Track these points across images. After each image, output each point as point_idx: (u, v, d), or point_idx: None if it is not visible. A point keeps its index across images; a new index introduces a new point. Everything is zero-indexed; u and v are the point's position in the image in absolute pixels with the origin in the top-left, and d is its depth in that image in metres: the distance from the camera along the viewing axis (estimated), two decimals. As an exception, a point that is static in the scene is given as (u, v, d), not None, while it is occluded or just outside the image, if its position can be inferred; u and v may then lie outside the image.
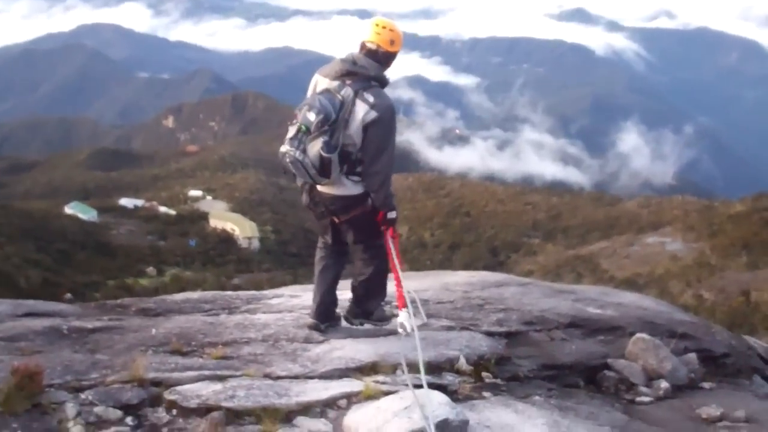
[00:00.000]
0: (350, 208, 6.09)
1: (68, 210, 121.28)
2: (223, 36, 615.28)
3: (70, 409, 4.26)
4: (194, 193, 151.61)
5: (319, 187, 6.04)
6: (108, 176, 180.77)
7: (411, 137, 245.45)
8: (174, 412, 4.49)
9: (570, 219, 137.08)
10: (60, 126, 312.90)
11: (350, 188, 5.98)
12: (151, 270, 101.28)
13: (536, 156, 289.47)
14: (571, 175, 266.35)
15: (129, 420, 4.34)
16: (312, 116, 5.64)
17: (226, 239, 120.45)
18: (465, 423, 4.48)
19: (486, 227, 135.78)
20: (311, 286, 8.48)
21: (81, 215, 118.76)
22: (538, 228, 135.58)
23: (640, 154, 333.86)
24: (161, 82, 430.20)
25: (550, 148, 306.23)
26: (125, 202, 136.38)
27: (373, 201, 6.04)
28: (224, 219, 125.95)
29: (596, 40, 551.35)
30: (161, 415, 4.45)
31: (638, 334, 7.43)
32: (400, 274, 6.15)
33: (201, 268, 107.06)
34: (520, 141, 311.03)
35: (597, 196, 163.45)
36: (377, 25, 6.02)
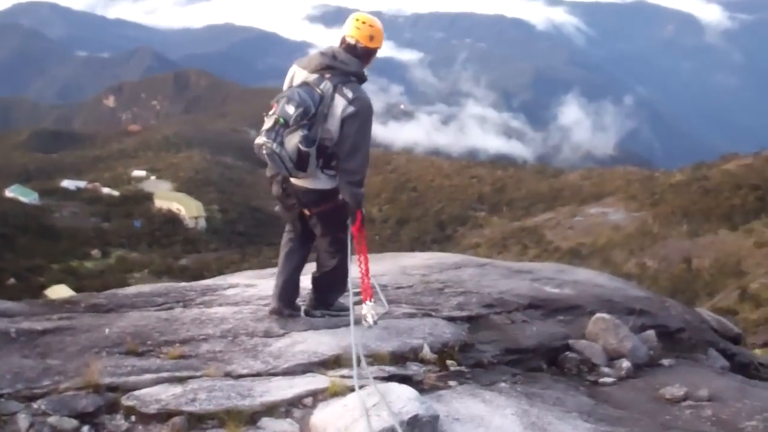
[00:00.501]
0: (321, 202, 6.07)
1: (9, 193, 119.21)
2: (163, 13, 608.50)
3: (23, 420, 4.05)
4: (138, 173, 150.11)
5: (293, 180, 5.98)
6: (49, 158, 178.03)
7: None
8: (133, 418, 4.27)
9: (514, 192, 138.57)
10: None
11: (324, 182, 5.95)
12: (96, 252, 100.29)
13: (480, 130, 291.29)
14: (515, 149, 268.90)
15: (85, 429, 4.12)
16: (291, 109, 5.58)
17: (172, 219, 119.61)
18: (435, 418, 4.36)
19: (433, 201, 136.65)
20: (266, 272, 8.36)
21: (22, 198, 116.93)
22: (483, 201, 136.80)
23: (581, 126, 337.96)
24: (101, 61, 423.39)
25: (493, 122, 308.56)
26: (67, 183, 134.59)
27: (344, 198, 5.97)
28: (169, 199, 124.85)
29: (537, 14, 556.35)
30: (119, 422, 4.23)
31: (598, 314, 7.45)
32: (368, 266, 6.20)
33: (147, 249, 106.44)
34: (464, 115, 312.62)
35: (540, 169, 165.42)
36: (357, 20, 5.99)
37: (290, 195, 6.15)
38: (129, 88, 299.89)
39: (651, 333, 7.77)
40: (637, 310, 8.31)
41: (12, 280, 79.29)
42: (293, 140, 5.54)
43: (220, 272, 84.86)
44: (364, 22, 5.96)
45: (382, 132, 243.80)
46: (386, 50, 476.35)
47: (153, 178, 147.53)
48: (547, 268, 10.43)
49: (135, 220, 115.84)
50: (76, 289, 73.86)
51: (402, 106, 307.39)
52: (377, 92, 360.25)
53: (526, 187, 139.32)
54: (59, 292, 72.37)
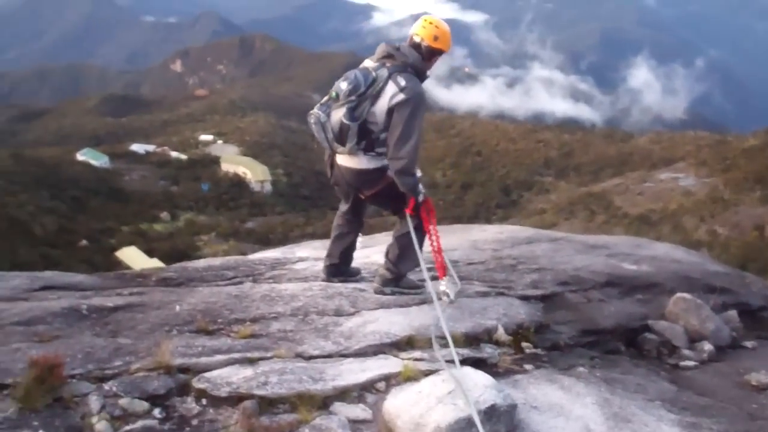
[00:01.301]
0: (371, 183, 6.32)
1: (80, 157, 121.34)
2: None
3: (94, 402, 3.99)
4: (205, 137, 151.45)
5: (339, 161, 6.30)
6: (118, 122, 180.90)
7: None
8: (204, 401, 4.20)
9: (582, 156, 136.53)
10: (67, 73, 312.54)
11: (366, 163, 6.19)
12: (165, 215, 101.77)
13: (546, 93, 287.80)
14: (582, 112, 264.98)
15: (156, 412, 4.06)
16: (344, 85, 5.91)
17: (238, 183, 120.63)
18: (513, 407, 4.21)
19: (497, 166, 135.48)
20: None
21: (93, 162, 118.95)
22: (550, 166, 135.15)
23: (650, 89, 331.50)
24: (167, 26, 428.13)
25: (560, 84, 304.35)
26: (136, 147, 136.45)
27: (399, 186, 6.13)
28: (236, 163, 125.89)
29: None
30: (190, 405, 4.16)
31: (678, 294, 7.23)
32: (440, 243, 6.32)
33: (214, 212, 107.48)
34: (530, 78, 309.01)
35: (608, 133, 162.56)
36: (425, 20, 6.25)
37: (339, 178, 6.41)
38: (195, 53, 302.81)
39: (733, 313, 7.54)
40: (718, 288, 8.07)
41: (84, 242, 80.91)
42: (339, 113, 5.91)
43: (285, 235, 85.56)
44: (430, 23, 6.20)
45: (446, 95, 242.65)
46: (450, 12, 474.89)
47: (220, 142, 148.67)
48: (623, 242, 10.19)
49: (203, 184, 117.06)
50: (146, 251, 75.53)
51: (466, 69, 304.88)
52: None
53: (594, 152, 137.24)
54: (130, 253, 73.94)
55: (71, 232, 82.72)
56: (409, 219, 6.25)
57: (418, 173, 6.21)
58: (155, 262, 68.51)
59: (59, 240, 77.76)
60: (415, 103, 5.94)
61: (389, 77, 5.95)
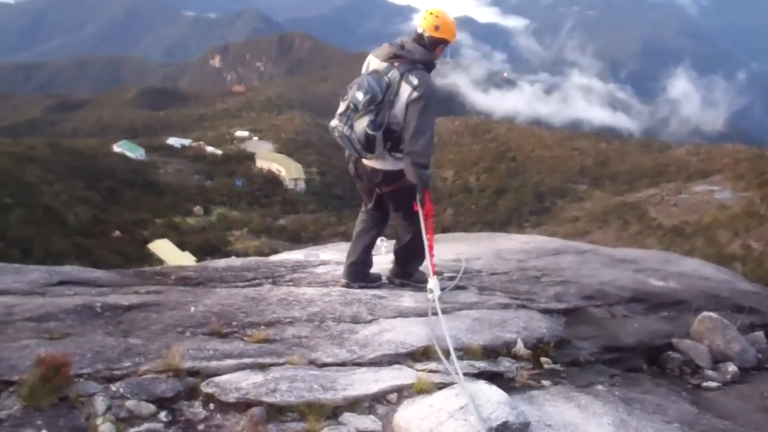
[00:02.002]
0: (391, 182, 6.56)
1: (117, 148, 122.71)
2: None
3: (100, 403, 3.93)
4: (241, 133, 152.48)
5: (363, 160, 6.54)
6: (155, 115, 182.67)
7: (457, 80, 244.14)
8: (211, 406, 4.13)
9: (618, 165, 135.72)
10: (108, 64, 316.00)
11: (392, 164, 6.43)
12: (198, 209, 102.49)
13: (584, 101, 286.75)
14: (620, 121, 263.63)
15: (163, 415, 3.99)
16: (360, 96, 6.08)
17: (272, 180, 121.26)
18: (526, 425, 4.12)
19: (532, 172, 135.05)
20: None
21: (129, 153, 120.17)
22: (585, 174, 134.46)
23: (690, 100, 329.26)
24: (207, 21, 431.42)
25: (598, 92, 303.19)
26: (173, 141, 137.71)
27: (410, 179, 6.32)
28: (270, 160, 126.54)
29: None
30: (197, 410, 4.09)
31: (705, 313, 7.06)
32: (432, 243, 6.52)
33: (247, 208, 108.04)
34: (568, 85, 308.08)
35: (646, 143, 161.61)
36: (426, 11, 6.44)
37: (362, 175, 6.70)
38: (234, 49, 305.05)
39: (760, 334, 7.37)
40: (747, 307, 7.91)
41: (117, 233, 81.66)
42: (362, 124, 6.07)
43: (317, 234, 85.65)
44: (431, 13, 6.38)
45: (483, 100, 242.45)
46: (490, 16, 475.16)
47: (255, 138, 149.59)
48: (651, 257, 10.04)
49: (237, 179, 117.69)
50: (178, 244, 76.08)
51: (505, 74, 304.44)
52: (479, 59, 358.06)
53: (630, 161, 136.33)
54: (162, 246, 74.51)
55: (105, 222, 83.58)
56: (420, 218, 6.47)
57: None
58: (187, 256, 69.17)
59: (92, 230, 78.63)
60: (428, 99, 6.13)
61: (401, 78, 6.13)
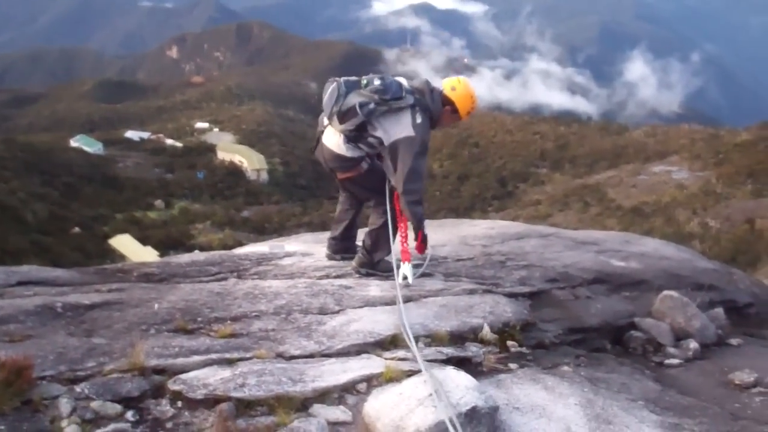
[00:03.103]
0: (345, 169, 6.79)
1: (73, 143, 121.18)
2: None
3: (64, 405, 3.88)
4: (201, 125, 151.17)
5: (324, 139, 6.74)
6: (113, 108, 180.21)
7: (417, 67, 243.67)
8: (179, 404, 4.10)
9: (577, 148, 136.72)
10: (62, 57, 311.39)
11: (344, 150, 6.61)
12: (159, 203, 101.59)
13: (543, 86, 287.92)
14: (579, 105, 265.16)
15: (129, 415, 3.95)
16: (377, 82, 6.40)
17: (234, 172, 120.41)
18: (495, 409, 4.15)
19: (494, 157, 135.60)
20: (324, 236, 8.44)
21: (87, 148, 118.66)
22: (545, 158, 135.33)
23: (646, 83, 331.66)
24: (164, 11, 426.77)
25: (557, 77, 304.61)
26: (131, 134, 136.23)
27: (407, 217, 6.65)
28: (232, 151, 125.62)
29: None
30: (165, 408, 4.06)
31: (666, 292, 7.22)
32: (406, 232, 6.79)
33: (210, 200, 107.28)
34: (528, 70, 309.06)
35: (604, 126, 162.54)
36: (453, 77, 6.87)
37: (319, 155, 6.89)
38: (192, 39, 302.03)
39: (720, 311, 7.55)
40: (706, 285, 8.05)
41: (76, 229, 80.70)
42: (356, 98, 6.31)
43: (281, 225, 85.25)
44: (453, 78, 6.87)
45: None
46: (449, 2, 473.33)
47: (216, 129, 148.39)
48: (612, 238, 10.15)
49: (198, 172, 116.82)
50: (140, 239, 75.40)
51: (465, 60, 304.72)
52: (438, 46, 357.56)
53: (589, 144, 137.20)
54: (123, 241, 73.81)
55: (63, 219, 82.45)
56: (389, 210, 6.72)
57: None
58: (149, 250, 68.52)
59: (51, 227, 77.49)
60: (421, 145, 6.41)
61: (412, 107, 6.42)
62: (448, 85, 6.75)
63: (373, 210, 7.03)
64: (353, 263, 7.23)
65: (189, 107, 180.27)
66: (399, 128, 6.37)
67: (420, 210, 6.55)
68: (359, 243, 7.35)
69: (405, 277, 6.55)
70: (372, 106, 6.29)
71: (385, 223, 6.77)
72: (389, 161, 6.48)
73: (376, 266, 7.17)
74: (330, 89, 6.43)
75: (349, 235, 7.48)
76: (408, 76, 7.04)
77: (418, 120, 6.39)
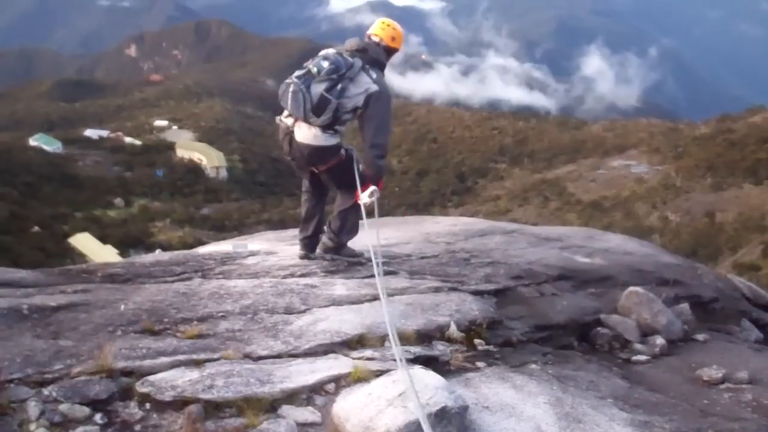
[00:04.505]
0: (326, 159, 6.86)
1: (32, 142, 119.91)
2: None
3: (33, 408, 3.84)
4: (160, 122, 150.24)
5: (298, 137, 6.73)
6: (72, 107, 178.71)
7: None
8: (147, 406, 4.07)
9: (536, 143, 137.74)
10: (20, 57, 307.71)
11: (325, 140, 6.70)
12: (119, 201, 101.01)
13: (501, 81, 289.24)
14: (537, 100, 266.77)
15: (98, 417, 3.92)
16: (325, 64, 6.53)
17: (194, 169, 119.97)
18: (464, 409, 4.14)
19: (453, 153, 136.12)
20: (286, 234, 8.47)
21: (46, 147, 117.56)
22: (504, 153, 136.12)
23: (604, 77, 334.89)
24: (122, 10, 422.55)
25: (515, 72, 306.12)
26: (90, 132, 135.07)
27: (368, 168, 6.84)
28: (191, 149, 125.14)
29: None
30: (133, 410, 4.03)
31: (631, 288, 7.26)
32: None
33: (169, 198, 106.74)
34: (485, 66, 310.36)
35: (563, 120, 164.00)
36: (383, 22, 7.12)
37: (296, 152, 6.88)
38: (150, 38, 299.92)
39: (685, 306, 7.57)
40: (671, 280, 8.12)
41: (36, 228, 79.94)
42: (319, 88, 6.46)
43: (241, 222, 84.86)
44: (388, 25, 7.10)
45: (401, 82, 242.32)
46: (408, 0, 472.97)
47: (175, 127, 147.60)
48: (576, 234, 10.24)
49: (157, 170, 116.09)
50: (100, 238, 74.80)
51: (423, 57, 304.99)
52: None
53: (548, 139, 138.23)
54: (83, 240, 73.12)
55: (23, 218, 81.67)
56: (361, 193, 6.79)
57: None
58: (109, 249, 68.01)
59: (11, 226, 76.74)
60: (388, 97, 6.79)
61: (362, 68, 6.66)
62: (388, 36, 7.01)
63: (342, 193, 7.21)
64: (318, 249, 7.51)
65: (148, 105, 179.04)
66: (362, 89, 6.60)
67: (384, 164, 6.90)
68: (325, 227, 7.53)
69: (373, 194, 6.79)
70: (339, 86, 6.47)
71: (355, 205, 6.98)
72: (360, 121, 6.76)
73: (342, 251, 7.44)
74: (291, 93, 6.51)
75: (320, 230, 7.56)
76: (335, 44, 7.21)
77: (374, 75, 6.67)
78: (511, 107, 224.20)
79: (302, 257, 7.52)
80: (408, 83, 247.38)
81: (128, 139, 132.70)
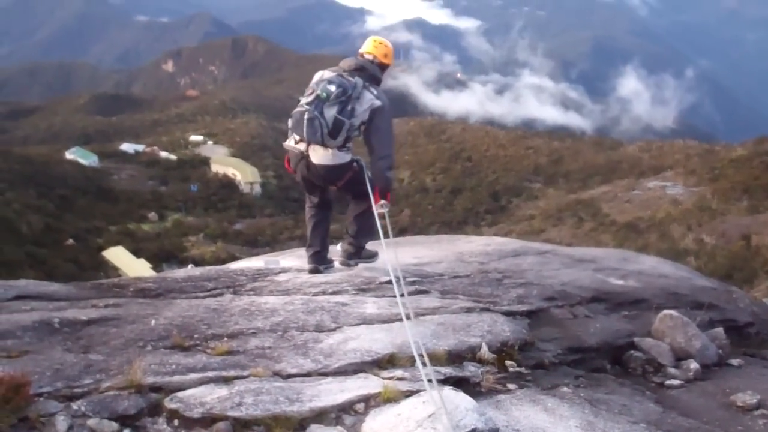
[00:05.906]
0: (343, 175, 7.32)
1: (69, 155, 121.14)
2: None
3: (61, 422, 3.84)
4: (195, 138, 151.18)
5: (314, 161, 7.16)
6: (108, 121, 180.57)
7: (407, 81, 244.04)
8: (176, 422, 4.05)
9: (571, 163, 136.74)
10: (59, 71, 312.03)
11: (341, 158, 7.18)
12: (153, 215, 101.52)
13: (536, 100, 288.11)
14: (572, 120, 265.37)
15: (126, 433, 3.92)
16: (333, 88, 6.85)
17: (228, 184, 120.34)
18: (495, 431, 4.07)
19: (487, 172, 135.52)
20: None
21: (82, 160, 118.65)
22: (539, 172, 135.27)
23: (640, 98, 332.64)
24: (160, 26, 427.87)
25: (550, 92, 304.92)
26: (126, 147, 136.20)
27: (378, 182, 7.26)
28: (226, 164, 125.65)
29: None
30: (162, 426, 4.01)
31: (665, 311, 7.14)
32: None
33: (203, 213, 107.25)
34: (520, 85, 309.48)
35: (598, 141, 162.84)
36: (375, 41, 7.62)
37: (314, 174, 7.30)
38: (187, 54, 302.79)
39: (720, 330, 7.45)
40: (706, 304, 8.00)
41: (71, 241, 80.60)
42: (331, 111, 6.86)
43: (274, 237, 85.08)
44: (381, 43, 7.58)
45: (435, 101, 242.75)
46: (442, 17, 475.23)
47: (210, 142, 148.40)
48: (610, 255, 10.12)
49: (192, 185, 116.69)
50: (134, 251, 75.28)
51: (458, 75, 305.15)
52: (429, 60, 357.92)
53: (583, 159, 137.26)
54: (117, 253, 73.63)
55: (58, 231, 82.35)
56: (373, 201, 7.13)
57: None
58: (142, 263, 68.43)
59: (46, 239, 77.43)
60: (390, 109, 7.28)
61: (364, 86, 7.10)
62: (381, 54, 7.49)
63: (356, 201, 7.66)
64: (340, 258, 7.96)
65: (183, 120, 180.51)
66: (367, 105, 7.05)
67: (392, 176, 7.34)
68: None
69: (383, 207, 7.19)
70: (349, 107, 6.91)
71: (369, 209, 7.24)
72: (366, 135, 7.22)
73: (362, 255, 7.95)
74: (306, 120, 6.87)
75: (327, 243, 7.93)
76: (332, 63, 7.63)
77: (375, 91, 7.14)
78: (546, 127, 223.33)
79: (312, 271, 7.74)
80: (442, 101, 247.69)
81: (163, 154, 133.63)
